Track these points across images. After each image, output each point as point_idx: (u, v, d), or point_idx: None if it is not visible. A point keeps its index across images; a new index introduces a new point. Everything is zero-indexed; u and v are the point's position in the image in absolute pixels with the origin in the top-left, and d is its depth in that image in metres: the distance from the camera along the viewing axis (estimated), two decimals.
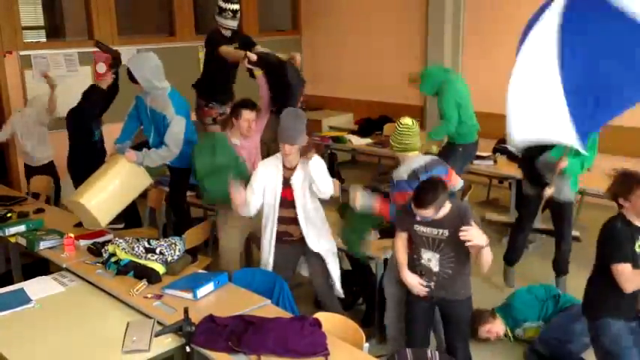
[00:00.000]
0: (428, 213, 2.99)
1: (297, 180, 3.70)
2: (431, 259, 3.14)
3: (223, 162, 4.09)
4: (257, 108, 4.25)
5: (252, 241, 4.49)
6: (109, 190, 4.14)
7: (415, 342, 3.27)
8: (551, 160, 4.27)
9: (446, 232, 3.07)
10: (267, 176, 3.74)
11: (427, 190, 2.99)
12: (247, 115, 4.13)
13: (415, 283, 3.19)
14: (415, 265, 3.22)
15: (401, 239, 3.28)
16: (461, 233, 2.96)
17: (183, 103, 4.40)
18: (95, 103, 5.24)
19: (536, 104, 2.33)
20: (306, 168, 3.67)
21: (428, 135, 5.38)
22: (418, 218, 3.07)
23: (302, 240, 3.73)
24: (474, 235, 2.95)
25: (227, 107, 5.37)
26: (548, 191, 4.28)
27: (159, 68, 4.27)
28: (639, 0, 1.97)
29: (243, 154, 4.21)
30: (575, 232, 5.03)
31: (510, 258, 4.86)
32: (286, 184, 3.71)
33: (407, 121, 3.61)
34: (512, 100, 2.32)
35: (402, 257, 3.27)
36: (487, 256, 3.03)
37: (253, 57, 4.52)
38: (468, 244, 2.97)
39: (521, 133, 2.54)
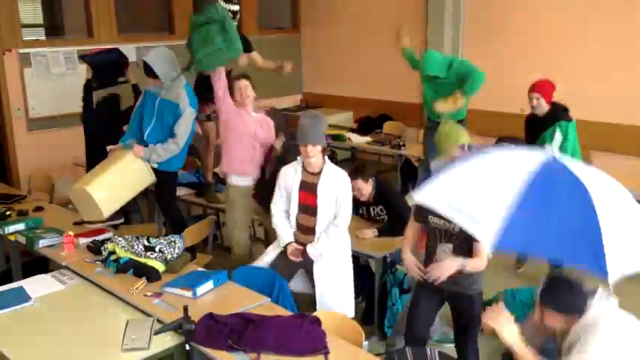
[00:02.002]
0: None
1: (323, 187, 3.64)
2: (446, 251, 3.16)
3: (214, 22, 4.11)
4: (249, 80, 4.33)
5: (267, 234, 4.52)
6: (115, 183, 4.14)
7: (414, 327, 3.28)
8: None
9: (457, 226, 3.08)
10: (285, 182, 3.74)
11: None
12: (239, 83, 4.25)
13: (412, 264, 3.23)
14: (432, 260, 3.22)
15: (413, 226, 3.36)
16: (428, 276, 3.11)
17: (195, 98, 4.46)
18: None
19: (477, 188, 2.36)
20: (334, 178, 3.64)
21: (468, 92, 5.14)
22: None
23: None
24: (442, 271, 3.06)
25: None
26: None
27: (175, 61, 4.39)
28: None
29: (244, 129, 4.27)
30: None
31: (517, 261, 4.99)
32: (307, 188, 3.68)
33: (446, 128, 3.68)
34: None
35: (409, 240, 3.36)
36: (472, 269, 3.11)
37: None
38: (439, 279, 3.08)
39: (435, 197, 2.45)
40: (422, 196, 2.42)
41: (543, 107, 4.72)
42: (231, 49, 4.12)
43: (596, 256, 2.06)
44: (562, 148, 4.53)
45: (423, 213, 3.21)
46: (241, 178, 4.36)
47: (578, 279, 2.55)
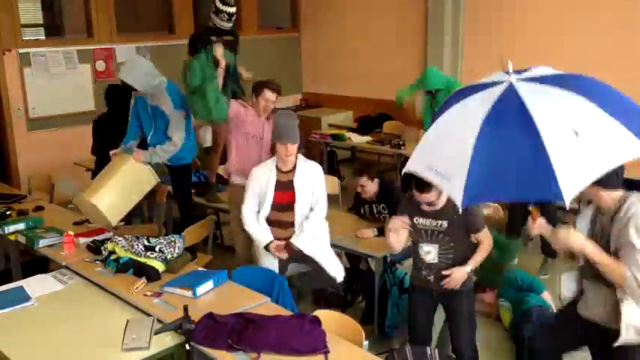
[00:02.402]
0: (431, 196, 3.01)
1: (299, 182, 3.68)
2: (430, 252, 3.16)
3: (202, 80, 4.30)
4: (279, 91, 4.28)
5: None
6: (119, 190, 4.16)
7: (416, 331, 3.29)
8: None
9: (444, 224, 3.10)
10: (259, 185, 3.76)
11: None
12: (268, 95, 4.16)
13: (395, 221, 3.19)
14: (417, 261, 3.24)
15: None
16: (446, 284, 3.14)
17: (181, 96, 4.46)
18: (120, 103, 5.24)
19: (445, 144, 2.41)
20: (308, 171, 3.67)
21: None
22: (425, 208, 3.08)
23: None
24: (456, 282, 3.14)
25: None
26: None
27: (150, 68, 4.31)
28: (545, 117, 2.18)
29: (265, 132, 4.20)
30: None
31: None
32: (282, 187, 3.70)
33: None
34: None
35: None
36: (482, 259, 3.16)
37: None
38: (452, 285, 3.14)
39: (419, 163, 2.50)
40: (407, 167, 2.47)
41: None
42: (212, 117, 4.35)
43: (550, 182, 2.05)
44: None
45: (409, 214, 3.20)
46: (245, 179, 4.33)
47: None
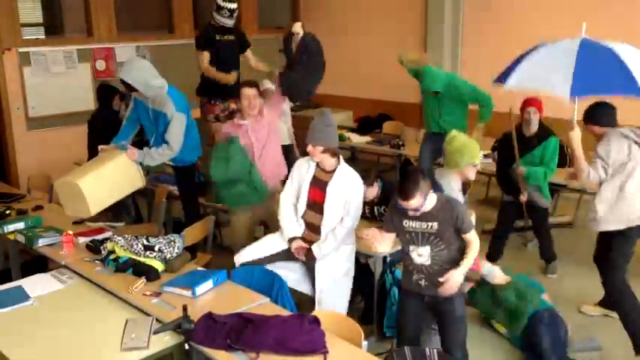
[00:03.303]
0: (416, 203, 2.98)
1: (334, 186, 3.60)
2: (422, 254, 3.15)
3: (237, 173, 4.12)
4: (260, 88, 4.28)
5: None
6: (106, 181, 4.09)
7: (404, 335, 3.28)
8: (520, 171, 4.66)
9: (435, 225, 3.08)
10: (299, 174, 3.73)
11: (408, 180, 2.98)
12: (246, 91, 4.18)
13: (372, 232, 3.34)
14: (407, 265, 3.23)
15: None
16: (440, 290, 3.12)
17: (182, 99, 4.40)
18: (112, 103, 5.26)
19: (546, 62, 3.45)
20: (346, 179, 3.60)
21: (481, 120, 5.52)
22: (411, 214, 3.07)
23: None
24: (452, 286, 3.09)
25: (231, 102, 5.36)
26: (522, 198, 4.73)
27: (151, 69, 4.25)
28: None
29: (252, 137, 4.20)
30: (565, 218, 5.87)
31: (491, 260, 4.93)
32: (318, 185, 3.65)
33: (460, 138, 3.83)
34: (526, 62, 3.54)
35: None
36: (472, 262, 3.16)
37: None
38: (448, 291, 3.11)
39: (519, 79, 3.48)
40: (509, 84, 3.49)
41: (534, 125, 4.71)
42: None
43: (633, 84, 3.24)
44: (544, 162, 4.68)
45: (397, 220, 3.19)
46: None
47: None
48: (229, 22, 5.20)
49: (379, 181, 4.31)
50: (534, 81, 3.44)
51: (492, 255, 5.04)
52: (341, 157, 3.68)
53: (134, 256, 3.50)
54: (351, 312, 3.98)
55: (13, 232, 4.20)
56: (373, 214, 4.40)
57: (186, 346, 2.75)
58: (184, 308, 2.79)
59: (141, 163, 4.31)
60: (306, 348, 2.65)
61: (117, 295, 3.27)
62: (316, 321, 2.81)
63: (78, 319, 3.05)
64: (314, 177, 3.66)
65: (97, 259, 3.64)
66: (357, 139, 7.27)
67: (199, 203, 5.09)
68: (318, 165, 3.67)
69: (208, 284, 3.27)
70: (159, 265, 3.46)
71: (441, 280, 3.10)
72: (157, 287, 3.29)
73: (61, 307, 3.19)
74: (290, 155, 5.27)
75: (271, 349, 2.65)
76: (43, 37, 7.85)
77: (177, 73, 4.69)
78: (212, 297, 3.22)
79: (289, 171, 4.00)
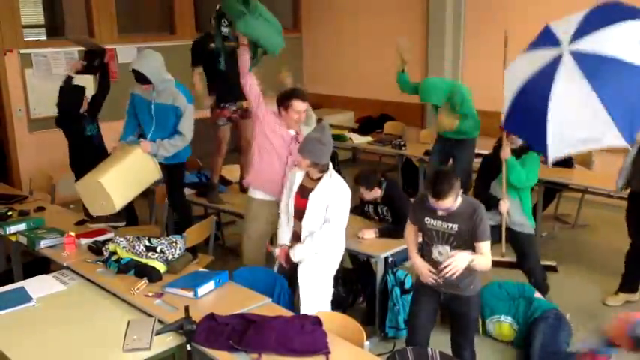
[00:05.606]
0: (448, 203, 2.99)
1: (316, 193, 3.54)
2: (442, 253, 3.15)
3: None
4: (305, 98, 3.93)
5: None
6: (126, 175, 4.17)
7: (416, 331, 3.28)
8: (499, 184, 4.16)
9: (455, 227, 3.08)
10: (292, 180, 3.71)
11: (442, 180, 2.97)
12: (298, 106, 3.85)
13: (424, 269, 3.21)
14: (427, 261, 3.24)
15: (411, 228, 3.34)
16: (444, 272, 3.05)
17: (189, 93, 4.58)
18: (71, 98, 5.27)
19: (575, 118, 3.02)
20: (329, 187, 3.53)
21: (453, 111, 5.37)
22: (440, 213, 3.08)
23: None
24: (456, 265, 3.01)
25: (241, 102, 5.32)
26: (502, 205, 4.06)
27: (163, 63, 4.42)
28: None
29: (292, 148, 3.94)
30: (550, 262, 4.98)
31: None
32: (303, 192, 3.61)
33: None
34: (552, 123, 3.08)
35: (413, 244, 3.34)
36: (480, 266, 3.09)
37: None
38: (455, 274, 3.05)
39: (558, 150, 3.14)
40: (553, 156, 3.15)
41: (517, 143, 4.38)
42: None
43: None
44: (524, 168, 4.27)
45: (420, 215, 3.20)
46: (265, 194, 4.13)
47: None
48: (227, 32, 5.17)
49: (382, 181, 4.31)
50: (576, 146, 3.13)
51: None
52: (331, 168, 3.59)
53: (136, 257, 3.51)
54: (353, 312, 3.99)
55: (15, 233, 4.20)
56: (376, 212, 4.41)
57: (189, 347, 2.75)
58: (186, 309, 2.79)
59: (155, 155, 4.37)
60: (309, 348, 2.65)
61: (119, 296, 3.27)
62: (318, 321, 2.82)
63: (80, 320, 3.06)
64: (301, 185, 3.65)
65: (99, 261, 3.65)
66: (358, 140, 7.27)
67: (188, 201, 5.12)
68: (307, 174, 3.64)
69: (210, 285, 3.27)
70: (161, 266, 3.46)
71: (446, 263, 3.05)
72: (159, 288, 3.29)
73: (63, 308, 3.19)
74: None
75: (273, 349, 2.65)
76: (45, 38, 7.86)
77: (179, 74, 4.69)
78: (214, 298, 3.22)
79: None
